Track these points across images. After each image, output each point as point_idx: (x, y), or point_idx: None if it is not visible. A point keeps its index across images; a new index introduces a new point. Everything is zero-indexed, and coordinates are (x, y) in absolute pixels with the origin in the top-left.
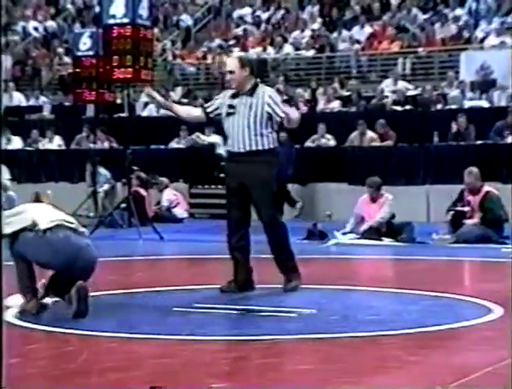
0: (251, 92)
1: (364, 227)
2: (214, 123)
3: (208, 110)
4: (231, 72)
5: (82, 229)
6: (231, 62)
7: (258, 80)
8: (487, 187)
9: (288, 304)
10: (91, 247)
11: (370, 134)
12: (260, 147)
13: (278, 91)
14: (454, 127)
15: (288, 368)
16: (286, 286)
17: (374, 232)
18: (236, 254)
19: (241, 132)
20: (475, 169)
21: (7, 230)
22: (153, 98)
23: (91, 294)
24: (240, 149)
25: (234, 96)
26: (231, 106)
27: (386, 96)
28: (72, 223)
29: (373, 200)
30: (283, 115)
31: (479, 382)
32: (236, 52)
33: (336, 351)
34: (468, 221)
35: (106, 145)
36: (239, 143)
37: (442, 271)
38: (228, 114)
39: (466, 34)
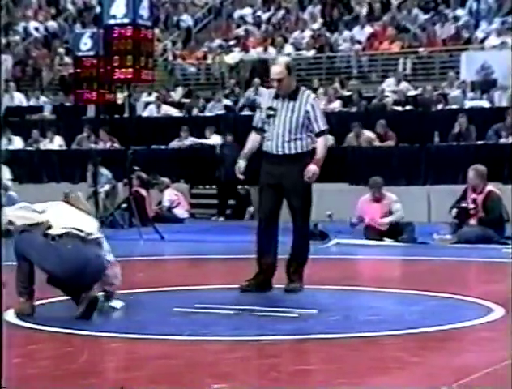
0: (294, 96)
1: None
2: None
3: (260, 126)
4: (279, 81)
5: (92, 237)
6: (279, 70)
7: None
8: (490, 187)
9: (288, 304)
10: (101, 257)
11: (367, 134)
12: (299, 150)
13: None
14: (457, 128)
15: (290, 368)
16: (288, 286)
17: (375, 233)
18: (264, 253)
19: (280, 135)
20: (481, 167)
21: (18, 222)
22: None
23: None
24: (278, 152)
25: (276, 97)
26: (271, 108)
27: (387, 96)
28: (82, 231)
29: (376, 200)
30: (317, 131)
31: (480, 382)
32: (282, 58)
33: (337, 351)
34: (472, 221)
35: (109, 145)
36: (278, 146)
37: (443, 272)
38: (268, 116)
39: (466, 34)
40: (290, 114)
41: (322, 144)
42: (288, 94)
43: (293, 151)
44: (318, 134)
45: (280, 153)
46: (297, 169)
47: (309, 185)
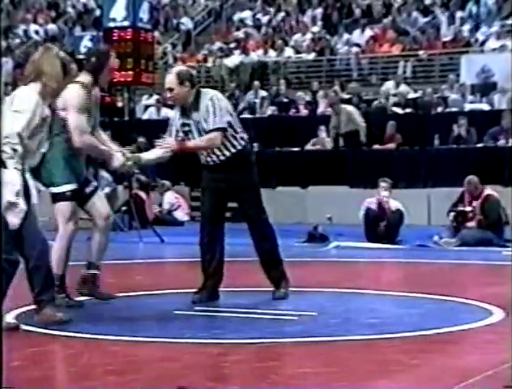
0: (195, 106)
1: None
2: None
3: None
4: (170, 89)
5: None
6: (169, 79)
7: (202, 89)
8: (487, 190)
9: (288, 307)
10: None
11: (348, 108)
12: (228, 154)
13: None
14: (456, 131)
15: (289, 371)
16: (275, 294)
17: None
18: (210, 259)
19: None
20: (474, 179)
21: None
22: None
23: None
24: (209, 162)
25: (183, 113)
26: (185, 124)
27: (387, 99)
28: None
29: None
30: (207, 129)
31: (480, 385)
32: (176, 67)
33: (337, 354)
34: (470, 223)
35: None
36: (207, 157)
37: (443, 275)
38: (186, 133)
39: (466, 37)
40: (199, 125)
41: (205, 137)
42: (191, 105)
43: (222, 158)
44: (208, 133)
45: (211, 164)
46: (235, 174)
47: (253, 185)
